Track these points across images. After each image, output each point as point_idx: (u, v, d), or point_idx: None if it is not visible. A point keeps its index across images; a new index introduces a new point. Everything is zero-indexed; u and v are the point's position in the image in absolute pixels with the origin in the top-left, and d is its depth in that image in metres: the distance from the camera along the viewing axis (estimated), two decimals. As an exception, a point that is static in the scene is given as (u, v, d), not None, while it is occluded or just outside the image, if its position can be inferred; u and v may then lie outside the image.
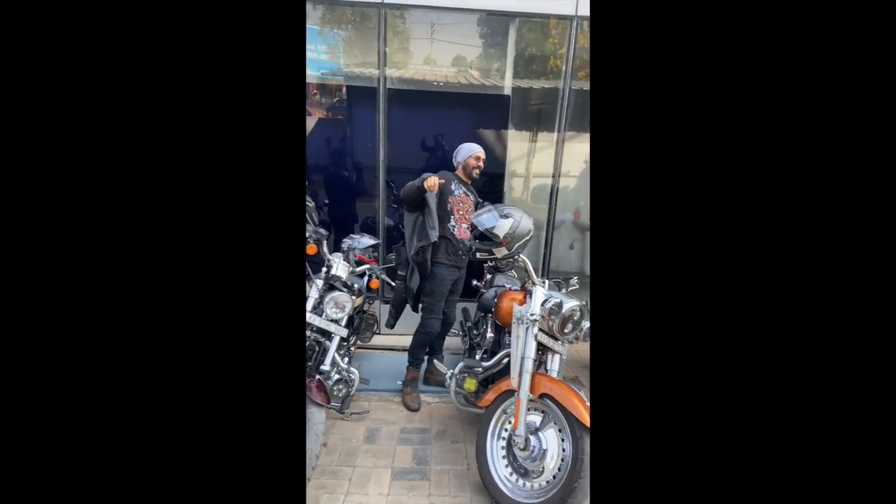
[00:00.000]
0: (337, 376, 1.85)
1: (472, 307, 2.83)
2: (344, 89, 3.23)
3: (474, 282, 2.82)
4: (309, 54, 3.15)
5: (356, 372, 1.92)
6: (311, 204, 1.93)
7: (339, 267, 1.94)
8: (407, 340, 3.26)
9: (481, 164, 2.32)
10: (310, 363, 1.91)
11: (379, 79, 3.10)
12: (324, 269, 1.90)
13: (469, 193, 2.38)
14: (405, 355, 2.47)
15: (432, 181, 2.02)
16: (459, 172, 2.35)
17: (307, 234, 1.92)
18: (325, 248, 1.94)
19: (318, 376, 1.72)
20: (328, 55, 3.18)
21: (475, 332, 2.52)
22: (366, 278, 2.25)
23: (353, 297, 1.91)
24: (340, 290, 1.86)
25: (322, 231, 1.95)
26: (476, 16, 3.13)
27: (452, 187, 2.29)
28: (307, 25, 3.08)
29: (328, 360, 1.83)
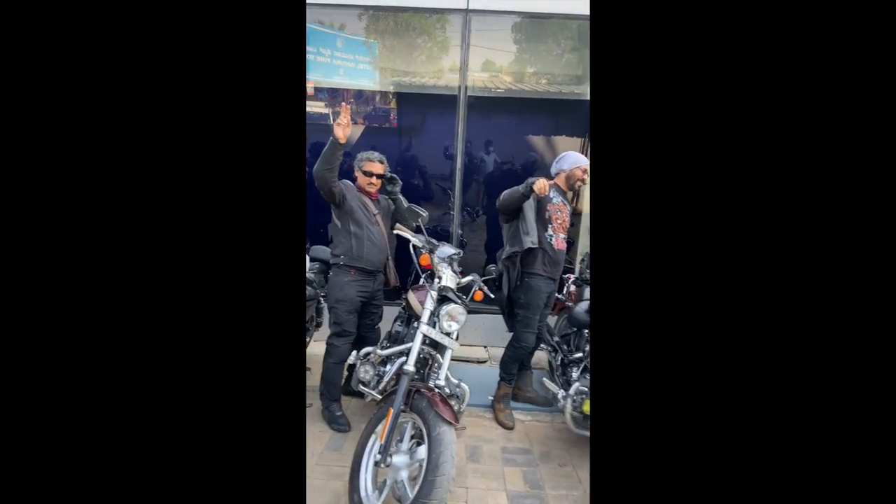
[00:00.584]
0: (448, 391, 1.79)
1: (550, 320, 2.73)
2: (377, 96, 3.18)
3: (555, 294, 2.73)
4: (351, 64, 3.13)
5: (465, 387, 1.86)
6: (424, 214, 1.89)
7: (448, 278, 1.89)
8: (479, 352, 3.19)
9: (586, 177, 2.24)
10: (417, 376, 1.85)
11: (460, 87, 3.07)
12: (435, 281, 1.85)
13: (566, 203, 2.29)
14: (481, 367, 2.39)
15: (542, 184, 1.94)
16: (560, 181, 2.27)
17: (420, 245, 1.87)
18: (435, 259, 1.89)
19: (436, 390, 1.66)
20: (371, 64, 3.15)
21: (566, 347, 2.42)
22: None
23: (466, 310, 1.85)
24: (455, 302, 1.80)
25: (434, 241, 1.90)
26: (560, 21, 3.06)
27: (551, 195, 2.21)
28: (347, 36, 3.08)
29: (442, 375, 1.77)
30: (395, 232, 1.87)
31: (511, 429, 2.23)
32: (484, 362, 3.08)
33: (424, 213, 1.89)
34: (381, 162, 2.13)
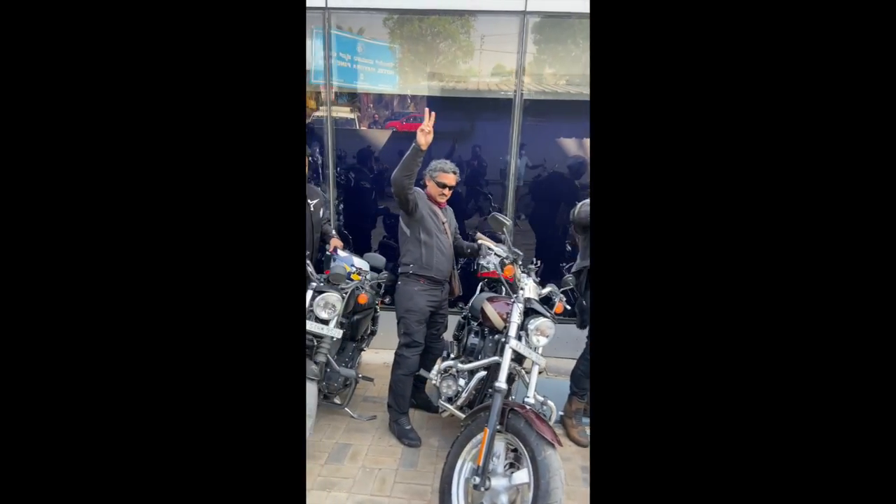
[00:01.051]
0: (537, 409, 1.71)
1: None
2: (396, 99, 3.11)
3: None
4: (371, 69, 3.09)
5: (552, 404, 1.77)
6: (508, 222, 1.82)
7: (530, 289, 1.81)
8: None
9: None
10: (495, 390, 1.78)
11: (516, 91, 3.00)
12: (520, 293, 1.77)
13: None
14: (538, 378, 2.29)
15: None
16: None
17: (504, 256, 1.80)
18: (519, 270, 1.82)
19: (529, 408, 1.58)
20: (393, 69, 3.09)
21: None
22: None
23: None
24: (544, 316, 1.73)
25: (517, 251, 1.83)
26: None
27: None
28: (367, 40, 3.04)
29: (531, 392, 1.69)
30: (478, 242, 1.80)
31: (586, 446, 2.13)
32: (540, 373, 2.99)
33: (508, 222, 1.82)
34: (455, 172, 2.08)
